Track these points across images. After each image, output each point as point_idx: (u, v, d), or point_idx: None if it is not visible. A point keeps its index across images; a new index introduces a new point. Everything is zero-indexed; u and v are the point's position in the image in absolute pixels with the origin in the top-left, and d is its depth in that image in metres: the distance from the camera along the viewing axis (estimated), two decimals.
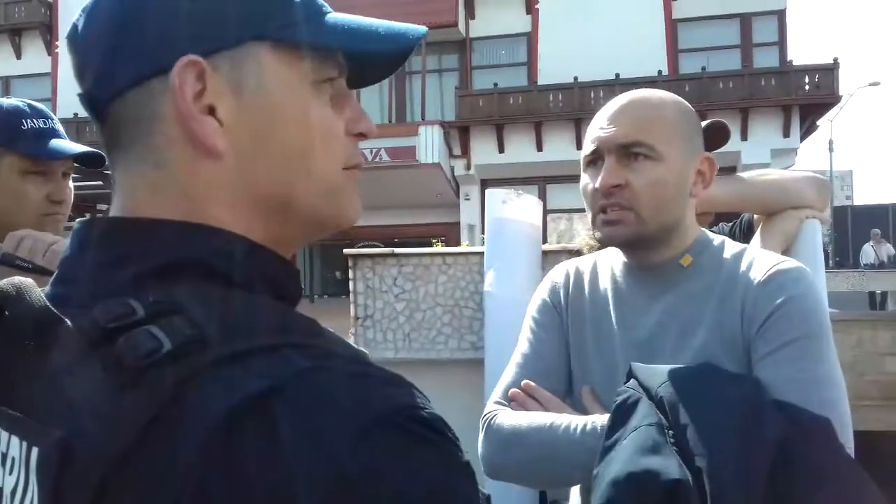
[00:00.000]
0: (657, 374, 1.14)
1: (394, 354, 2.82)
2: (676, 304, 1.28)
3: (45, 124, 1.53)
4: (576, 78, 16.86)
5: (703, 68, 16.69)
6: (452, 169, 17.67)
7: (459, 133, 17.74)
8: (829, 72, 16.38)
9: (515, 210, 2.62)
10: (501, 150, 17.64)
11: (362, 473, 0.45)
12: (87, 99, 0.60)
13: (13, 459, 0.52)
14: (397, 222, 17.31)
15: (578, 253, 2.60)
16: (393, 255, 2.80)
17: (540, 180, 17.39)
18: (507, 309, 2.56)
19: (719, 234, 1.59)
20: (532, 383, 1.33)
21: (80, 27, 0.59)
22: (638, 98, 1.31)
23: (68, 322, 0.51)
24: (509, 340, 2.66)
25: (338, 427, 0.45)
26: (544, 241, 3.04)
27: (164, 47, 0.56)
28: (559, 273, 1.46)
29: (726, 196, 1.80)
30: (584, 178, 1.32)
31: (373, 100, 18.80)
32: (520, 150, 17.42)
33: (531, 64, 18.55)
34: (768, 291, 1.20)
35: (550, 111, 17.02)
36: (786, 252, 1.79)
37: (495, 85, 17.85)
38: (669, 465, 1.01)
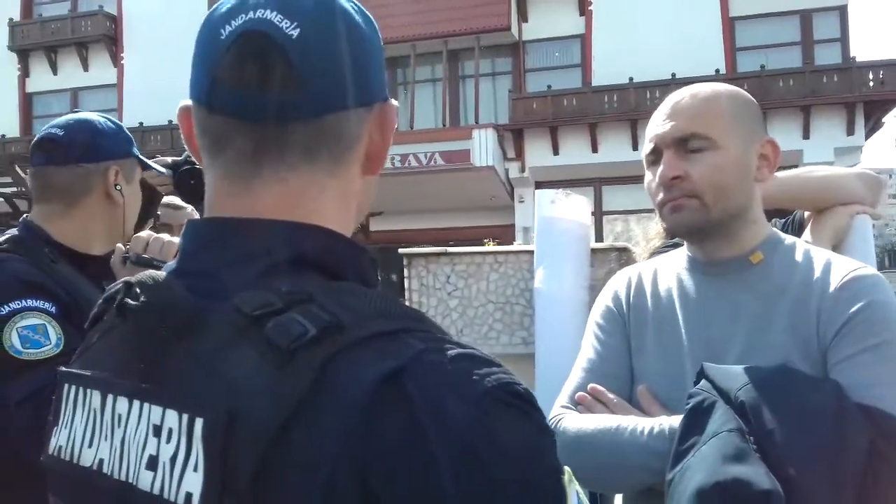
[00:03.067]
0: (734, 376, 1.12)
1: None
2: (746, 301, 1.26)
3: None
4: (631, 78, 16.70)
5: (763, 66, 16.31)
6: (507, 171, 17.65)
7: (513, 136, 17.69)
8: (893, 67, 15.87)
9: (564, 209, 2.68)
10: (556, 153, 17.51)
11: (481, 439, 0.53)
12: (292, 102, 0.65)
13: (170, 430, 0.58)
14: (451, 225, 17.37)
15: (626, 251, 2.64)
16: (446, 253, 2.88)
17: (595, 182, 17.22)
18: (556, 305, 2.63)
19: None
20: (599, 387, 1.33)
21: (310, 42, 0.65)
22: (691, 92, 1.32)
23: (207, 311, 0.59)
24: (559, 335, 2.75)
25: (457, 400, 0.54)
26: (600, 241, 3.06)
27: (373, 87, 0.71)
28: (621, 279, 1.46)
29: (774, 193, 1.81)
30: (648, 176, 1.34)
31: (427, 104, 18.90)
32: (574, 152, 17.29)
33: (585, 65, 18.40)
34: (845, 297, 1.19)
35: (605, 112, 16.87)
36: (836, 248, 1.77)
37: (549, 87, 17.77)
38: (758, 475, 0.99)
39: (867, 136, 16.62)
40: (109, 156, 1.59)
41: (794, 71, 16.25)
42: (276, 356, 0.54)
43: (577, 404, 1.34)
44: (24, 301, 1.37)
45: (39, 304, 1.38)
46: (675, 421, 1.17)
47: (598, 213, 17.59)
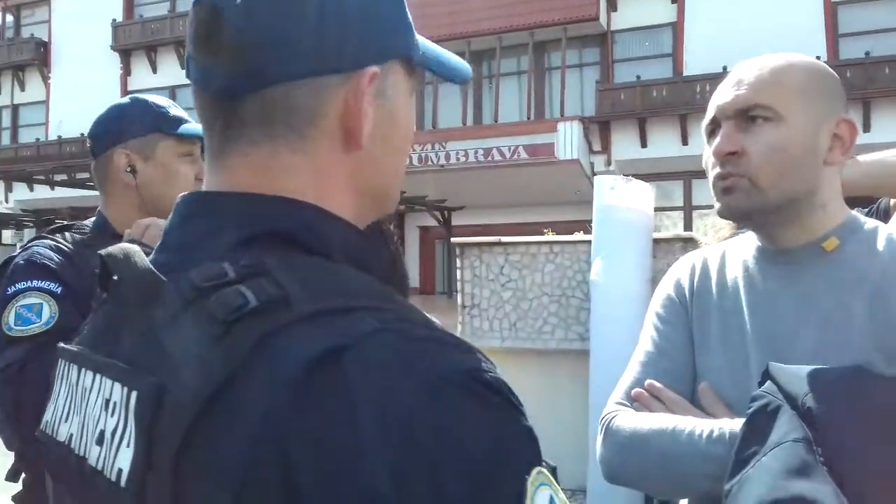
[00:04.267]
0: (801, 377, 1.01)
1: (500, 343, 2.80)
2: (819, 293, 1.15)
3: (181, 111, 1.66)
4: (725, 67, 16.08)
5: (867, 53, 15.53)
6: (592, 165, 17.41)
7: (600, 128, 17.44)
8: None
9: (624, 197, 2.51)
10: (644, 145, 17.19)
11: (426, 427, 0.47)
12: (238, 74, 0.61)
13: (115, 404, 0.57)
14: (535, 219, 17.23)
15: (692, 241, 2.46)
16: (500, 243, 2.77)
17: (685, 175, 16.81)
18: (614, 299, 2.47)
19: None
20: (657, 383, 1.24)
21: (257, 7, 0.61)
22: (759, 61, 1.20)
23: (168, 283, 0.58)
24: (615, 331, 2.60)
25: (404, 383, 0.48)
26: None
27: (349, 55, 0.63)
28: (684, 265, 1.36)
29: (858, 178, 1.65)
30: (706, 152, 1.23)
31: (512, 97, 18.81)
32: (663, 145, 16.92)
33: (676, 55, 17.95)
34: None
35: (697, 103, 16.37)
36: None
37: (638, 77, 17.38)
38: (823, 493, 0.89)
39: None
40: (118, 139, 1.59)
41: None
42: (213, 328, 0.52)
43: (634, 401, 1.25)
44: (29, 282, 1.44)
45: (44, 284, 1.44)
46: (738, 424, 1.07)
47: (688, 208, 17.13)
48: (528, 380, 2.58)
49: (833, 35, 16.66)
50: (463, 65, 0.76)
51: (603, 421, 1.26)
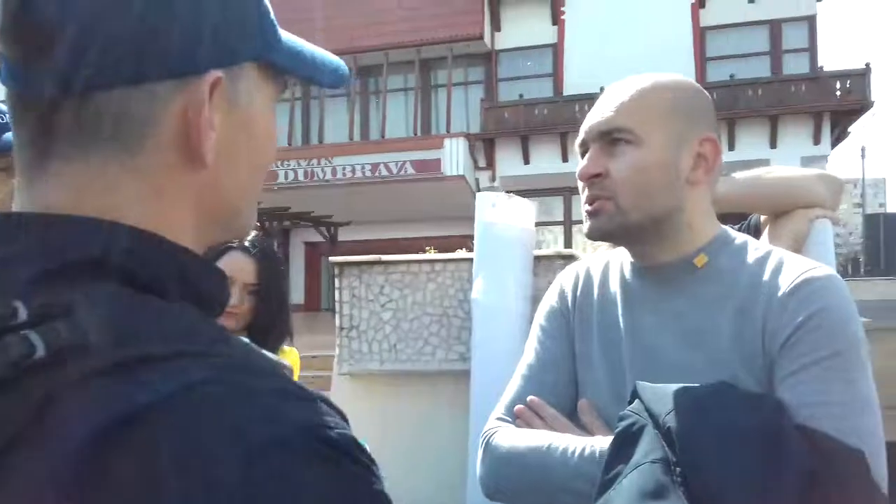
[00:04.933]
0: (665, 396, 1.01)
1: (379, 366, 2.72)
2: (687, 310, 1.16)
3: (2, 119, 1.49)
4: (602, 88, 16.64)
5: (732, 76, 16.46)
6: (477, 181, 17.64)
7: (485, 145, 17.71)
8: (860, 77, 16.07)
9: (505, 214, 2.49)
10: (527, 162, 17.56)
11: (247, 500, 0.41)
12: (48, 75, 0.52)
13: None
14: (421, 235, 17.30)
15: (572, 258, 2.47)
16: (380, 262, 2.70)
17: (566, 191, 17.30)
18: (495, 318, 2.44)
19: None
20: (537, 399, 1.25)
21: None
22: (626, 83, 1.22)
23: None
24: (496, 350, 2.57)
25: (225, 447, 0.42)
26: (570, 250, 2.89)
27: (182, 57, 0.54)
28: (568, 275, 1.36)
29: (730, 196, 1.67)
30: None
31: (398, 113, 18.85)
32: (545, 162, 17.34)
33: (557, 75, 18.47)
34: (794, 303, 1.06)
35: (577, 121, 16.78)
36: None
37: (521, 96, 17.75)
38: None
39: (833, 146, 16.81)
40: None
41: (763, 81, 16.39)
42: None
43: (516, 417, 1.26)
44: None
45: None
46: (608, 442, 1.07)
47: (568, 222, 17.64)
48: (408, 403, 2.53)
49: (701, 58, 17.57)
50: (339, 65, 0.69)
51: (483, 437, 1.25)
